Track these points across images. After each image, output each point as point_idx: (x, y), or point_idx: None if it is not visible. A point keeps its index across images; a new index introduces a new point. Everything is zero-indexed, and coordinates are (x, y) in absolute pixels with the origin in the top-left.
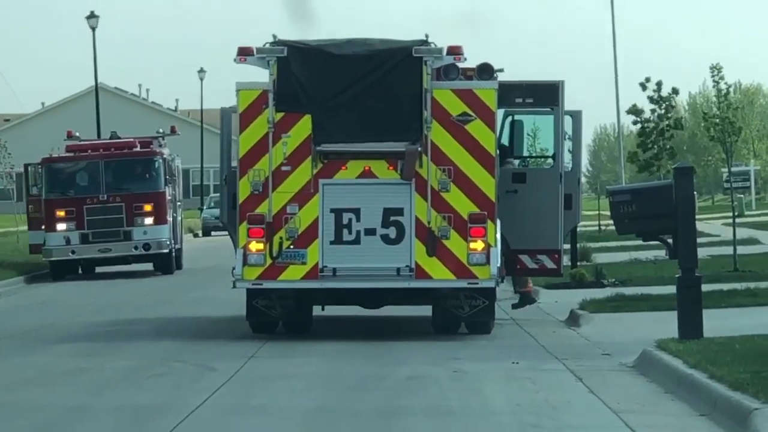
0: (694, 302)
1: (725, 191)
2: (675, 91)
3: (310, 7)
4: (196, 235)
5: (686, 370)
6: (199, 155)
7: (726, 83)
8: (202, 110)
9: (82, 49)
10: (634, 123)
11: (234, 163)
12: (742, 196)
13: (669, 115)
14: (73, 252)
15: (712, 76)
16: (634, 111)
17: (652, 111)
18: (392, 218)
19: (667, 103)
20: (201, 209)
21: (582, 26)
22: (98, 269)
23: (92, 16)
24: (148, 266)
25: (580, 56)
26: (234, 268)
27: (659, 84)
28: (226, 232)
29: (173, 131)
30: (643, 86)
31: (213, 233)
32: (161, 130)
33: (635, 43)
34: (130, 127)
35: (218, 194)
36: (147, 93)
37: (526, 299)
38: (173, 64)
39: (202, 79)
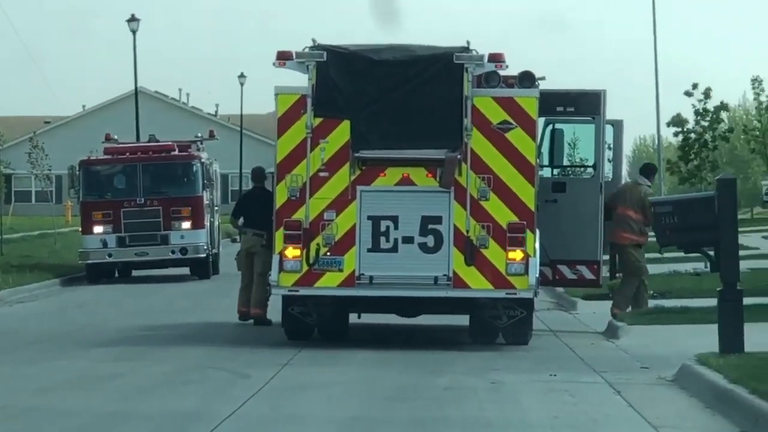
0: (735, 316)
1: (764, 204)
2: (724, 107)
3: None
4: (234, 240)
5: (727, 385)
6: (238, 160)
7: (767, 96)
8: (242, 115)
9: (123, 52)
10: (675, 135)
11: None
12: None
13: (715, 126)
14: (109, 255)
15: (753, 89)
16: (677, 122)
17: (696, 122)
18: (430, 226)
19: (713, 116)
20: None
21: (624, 36)
22: (134, 273)
23: (133, 19)
24: (185, 270)
25: (621, 66)
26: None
27: (707, 92)
28: None
29: (211, 135)
30: (689, 93)
31: None
32: (200, 134)
33: (676, 56)
34: (171, 131)
35: None
36: (187, 97)
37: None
38: (213, 68)
39: (242, 84)
